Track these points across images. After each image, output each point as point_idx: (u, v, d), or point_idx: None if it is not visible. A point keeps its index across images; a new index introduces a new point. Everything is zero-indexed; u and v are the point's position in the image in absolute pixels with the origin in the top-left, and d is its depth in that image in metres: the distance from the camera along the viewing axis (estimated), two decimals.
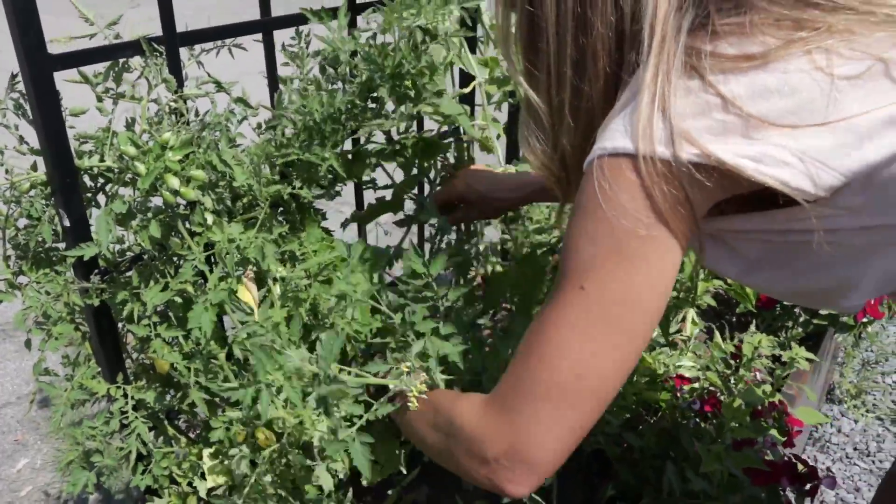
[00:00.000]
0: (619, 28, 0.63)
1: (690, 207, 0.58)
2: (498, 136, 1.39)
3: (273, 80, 1.12)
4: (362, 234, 1.38)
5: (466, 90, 1.16)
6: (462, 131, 1.28)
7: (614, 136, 0.59)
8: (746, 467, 1.03)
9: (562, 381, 0.61)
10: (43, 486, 2.05)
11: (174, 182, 0.88)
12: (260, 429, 0.98)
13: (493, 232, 1.55)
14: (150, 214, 0.95)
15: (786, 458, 1.08)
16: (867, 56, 0.54)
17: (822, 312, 1.58)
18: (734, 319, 1.80)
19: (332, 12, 1.11)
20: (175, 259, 1.02)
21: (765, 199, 0.59)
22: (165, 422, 1.13)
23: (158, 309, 1.00)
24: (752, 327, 1.58)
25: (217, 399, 1.03)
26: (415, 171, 1.23)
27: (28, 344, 1.04)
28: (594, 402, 0.62)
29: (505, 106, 1.35)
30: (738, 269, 0.67)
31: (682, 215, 0.58)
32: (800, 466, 1.06)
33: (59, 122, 0.88)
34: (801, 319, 1.61)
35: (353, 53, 1.09)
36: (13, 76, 0.96)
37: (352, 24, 1.17)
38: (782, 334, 1.62)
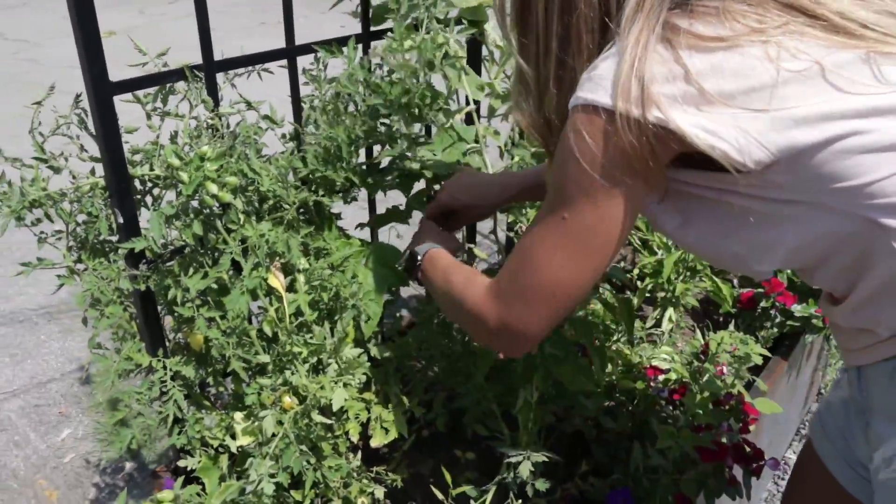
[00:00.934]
0: (603, 9, 0.71)
1: (656, 158, 0.68)
2: (503, 150, 1.55)
3: (296, 98, 1.29)
4: (375, 235, 1.55)
5: (461, 113, 1.30)
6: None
7: (596, 89, 0.68)
8: (698, 446, 1.17)
9: (543, 285, 0.78)
10: (84, 454, 2.25)
11: (213, 188, 1.05)
12: (285, 394, 1.15)
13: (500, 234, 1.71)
14: (191, 215, 1.12)
15: (736, 442, 1.22)
16: (809, 57, 0.64)
17: (797, 315, 1.71)
18: (720, 319, 1.93)
19: (346, 41, 1.28)
20: (211, 252, 1.20)
21: (707, 160, 0.68)
22: (198, 391, 1.30)
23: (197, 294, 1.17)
24: (731, 326, 1.71)
25: (249, 370, 1.20)
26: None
27: (85, 321, 1.22)
28: (566, 301, 0.80)
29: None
30: (675, 225, 0.78)
31: (647, 165, 0.68)
32: (748, 449, 1.20)
33: (117, 137, 1.05)
34: (777, 320, 1.74)
35: (365, 80, 1.25)
36: (77, 96, 1.14)
37: (365, 51, 1.34)
38: (760, 334, 1.75)
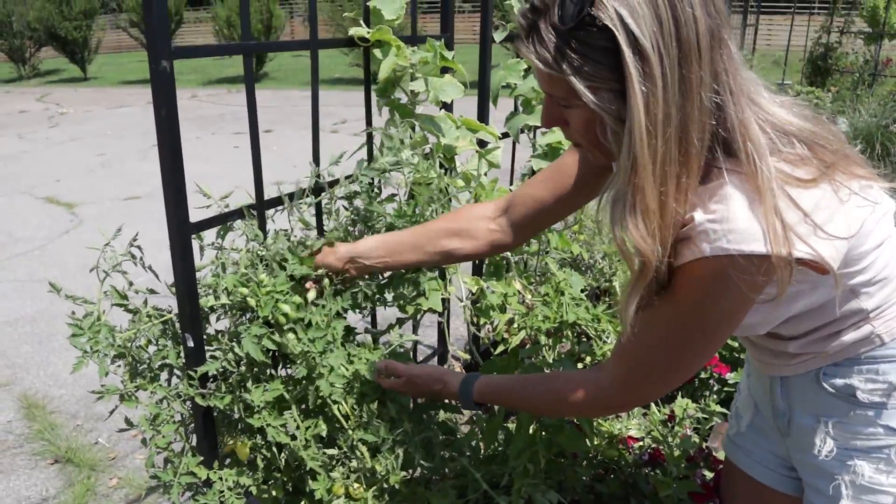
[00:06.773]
0: (707, 142, 0.83)
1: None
2: None
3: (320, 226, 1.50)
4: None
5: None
6: None
7: (745, 240, 0.81)
8: (689, 491, 1.40)
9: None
10: None
11: (286, 308, 1.22)
12: (356, 481, 1.28)
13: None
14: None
15: (716, 483, 1.47)
16: (849, 191, 0.86)
17: (730, 382, 2.02)
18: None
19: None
20: (263, 368, 1.34)
21: None
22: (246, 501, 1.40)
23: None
24: (679, 397, 1.99)
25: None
26: None
27: (144, 442, 1.31)
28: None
29: None
30: None
31: (785, 289, 0.84)
32: None
33: (193, 272, 1.21)
34: (715, 388, 2.04)
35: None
36: (134, 237, 1.30)
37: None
38: (701, 401, 2.04)
